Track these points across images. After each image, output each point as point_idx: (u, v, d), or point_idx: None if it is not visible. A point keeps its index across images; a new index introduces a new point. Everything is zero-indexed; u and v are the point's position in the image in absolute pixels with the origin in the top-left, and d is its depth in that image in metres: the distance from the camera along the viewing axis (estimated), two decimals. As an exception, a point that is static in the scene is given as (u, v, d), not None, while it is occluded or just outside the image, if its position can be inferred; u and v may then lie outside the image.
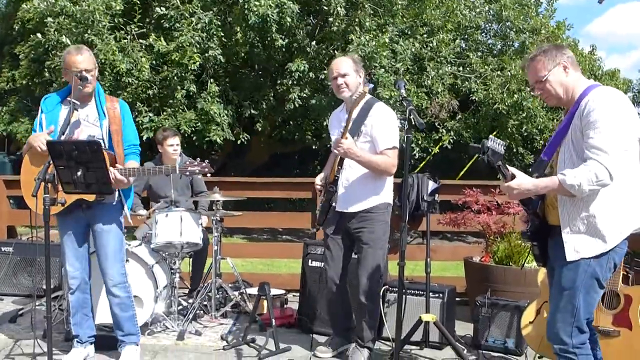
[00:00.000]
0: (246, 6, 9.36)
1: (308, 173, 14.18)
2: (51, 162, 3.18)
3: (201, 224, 4.80)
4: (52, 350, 3.16)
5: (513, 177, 2.62)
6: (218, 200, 4.81)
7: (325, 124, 9.32)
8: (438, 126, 12.31)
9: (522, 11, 13.21)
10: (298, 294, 4.86)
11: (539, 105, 11.86)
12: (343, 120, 3.79)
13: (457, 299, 4.62)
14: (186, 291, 5.36)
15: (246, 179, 7.14)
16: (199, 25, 9.59)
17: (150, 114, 10.03)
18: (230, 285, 5.18)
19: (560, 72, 2.73)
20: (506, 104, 11.69)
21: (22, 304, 5.09)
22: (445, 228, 5.32)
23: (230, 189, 5.69)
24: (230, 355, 4.01)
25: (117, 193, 3.65)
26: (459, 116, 12.66)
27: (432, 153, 12.02)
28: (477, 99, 12.07)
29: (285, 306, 5.04)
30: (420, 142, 11.86)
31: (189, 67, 9.51)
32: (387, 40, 10.06)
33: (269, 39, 10.07)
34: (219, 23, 9.94)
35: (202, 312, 4.86)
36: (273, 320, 4.16)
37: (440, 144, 12.11)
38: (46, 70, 10.36)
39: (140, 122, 9.59)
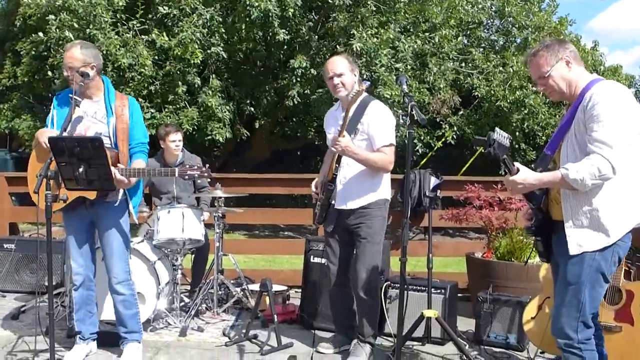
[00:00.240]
0: (248, 2, 9.35)
1: (310, 169, 14.16)
2: (53, 158, 3.18)
3: (203, 220, 4.80)
4: (54, 346, 3.17)
5: (517, 171, 2.61)
6: (220, 197, 4.81)
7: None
8: (441, 122, 12.31)
9: (525, 7, 13.17)
10: (300, 290, 4.87)
11: (541, 102, 11.84)
12: (339, 118, 3.82)
13: (459, 294, 4.61)
14: (188, 288, 5.36)
15: (248, 175, 7.14)
16: (200, 22, 9.58)
17: (152, 110, 10.04)
18: (232, 281, 5.18)
19: (563, 67, 2.72)
20: (508, 101, 11.66)
21: (24, 300, 5.10)
22: (447, 224, 5.32)
23: (232, 186, 5.70)
24: (233, 351, 4.02)
25: (122, 191, 3.63)
26: (461, 112, 12.65)
27: (435, 149, 12.00)
28: (479, 95, 12.05)
29: (287, 302, 5.04)
30: (422, 138, 11.86)
31: (192, 62, 9.51)
32: (391, 36, 10.04)
33: (271, 34, 10.06)
34: (220, 19, 9.94)
35: (204, 308, 4.86)
36: (275, 316, 4.16)
37: (444, 139, 12.10)
38: (47, 66, 10.36)
39: (142, 118, 9.60)
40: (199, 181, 5.27)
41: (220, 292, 4.92)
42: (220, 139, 10.35)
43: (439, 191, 5.55)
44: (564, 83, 2.73)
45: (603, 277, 2.65)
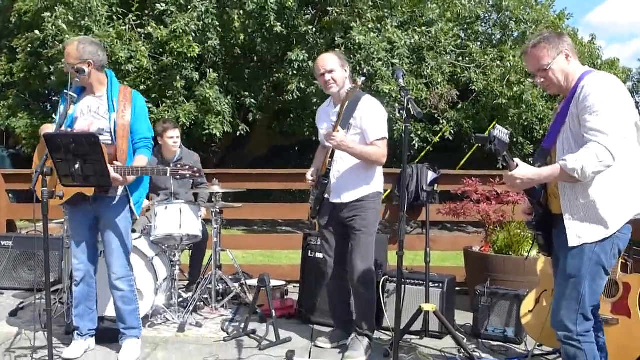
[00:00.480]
0: None
1: (307, 164, 14.12)
2: (49, 154, 3.17)
3: (200, 216, 4.80)
4: (52, 343, 3.17)
5: (517, 166, 2.61)
6: (218, 192, 4.81)
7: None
8: (438, 118, 12.29)
9: (522, 0, 13.14)
10: (298, 285, 4.87)
11: (539, 95, 11.83)
12: (331, 114, 3.87)
13: (456, 288, 4.62)
14: (186, 283, 5.36)
15: (245, 170, 7.15)
16: (195, 14, 9.56)
17: (150, 105, 10.02)
18: (230, 277, 5.19)
19: (563, 60, 2.71)
20: (506, 97, 11.65)
21: (22, 297, 5.10)
22: (445, 218, 5.32)
23: (230, 181, 5.69)
24: (231, 346, 4.02)
25: (122, 188, 3.62)
26: (459, 106, 12.64)
27: (432, 143, 12.00)
28: (476, 89, 12.04)
29: (285, 297, 5.05)
30: (420, 133, 11.85)
31: (189, 56, 9.49)
32: (387, 34, 10.03)
33: (267, 26, 10.04)
34: (215, 12, 9.91)
35: (202, 304, 4.87)
36: (273, 311, 4.17)
37: (441, 134, 12.09)
38: (43, 62, 10.34)
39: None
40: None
41: (218, 288, 4.92)
42: (218, 134, 10.33)
43: (436, 185, 5.56)
44: (563, 76, 2.73)
45: (603, 269, 2.65)
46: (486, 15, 13.97)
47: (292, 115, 12.53)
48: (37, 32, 9.78)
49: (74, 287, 3.78)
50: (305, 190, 4.10)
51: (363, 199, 3.81)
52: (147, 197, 5.38)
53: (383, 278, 4.31)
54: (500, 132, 2.53)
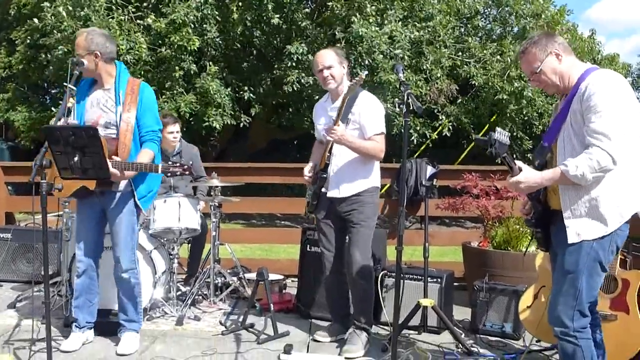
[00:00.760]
0: None
1: (307, 159, 14.12)
2: (48, 147, 3.16)
3: (199, 209, 4.79)
4: (51, 335, 3.17)
5: (520, 170, 2.61)
6: (216, 186, 4.80)
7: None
8: (437, 113, 12.26)
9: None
10: (296, 279, 4.87)
11: (539, 90, 11.80)
12: (328, 109, 3.91)
13: (455, 283, 4.62)
14: (184, 277, 5.36)
15: (244, 164, 7.13)
16: (193, 4, 9.53)
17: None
18: (228, 270, 5.19)
19: (553, 61, 2.71)
20: (507, 92, 11.63)
21: (21, 290, 5.10)
22: (444, 213, 5.32)
23: (229, 175, 5.68)
24: (229, 340, 4.03)
25: (125, 182, 3.61)
26: (459, 100, 12.61)
27: (431, 138, 11.98)
28: (476, 83, 12.01)
29: (283, 291, 5.05)
30: (418, 128, 11.83)
31: (189, 49, 9.46)
32: (387, 30, 10.00)
33: (265, 18, 10.01)
34: (214, 2, 9.87)
35: (200, 297, 4.87)
36: (271, 305, 4.17)
37: (440, 129, 12.07)
38: (42, 52, 10.32)
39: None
40: (196, 167, 5.27)
41: (217, 282, 4.92)
42: (217, 126, 10.31)
43: (435, 180, 5.55)
44: (556, 76, 2.72)
45: (600, 265, 2.65)
46: (486, 10, 13.93)
47: (291, 109, 12.50)
48: (35, 20, 9.75)
49: (75, 279, 3.79)
50: (304, 185, 4.10)
51: (361, 193, 3.83)
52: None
53: (382, 273, 4.32)
54: (501, 135, 2.54)
